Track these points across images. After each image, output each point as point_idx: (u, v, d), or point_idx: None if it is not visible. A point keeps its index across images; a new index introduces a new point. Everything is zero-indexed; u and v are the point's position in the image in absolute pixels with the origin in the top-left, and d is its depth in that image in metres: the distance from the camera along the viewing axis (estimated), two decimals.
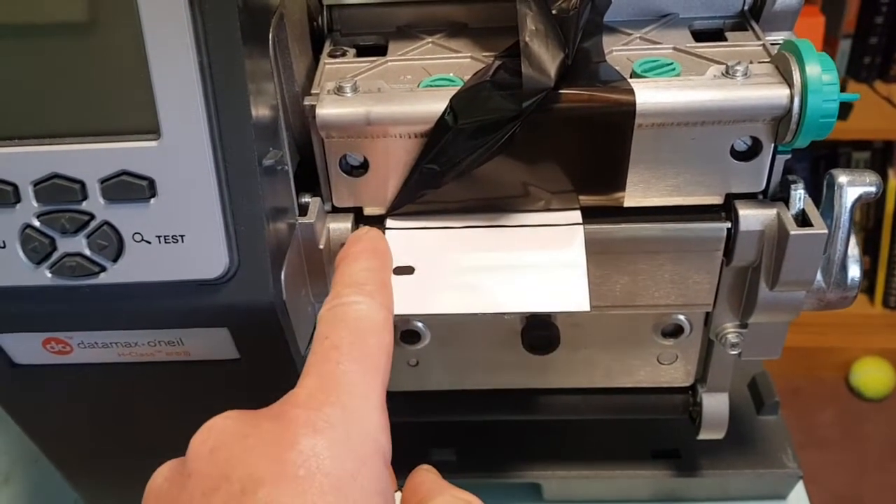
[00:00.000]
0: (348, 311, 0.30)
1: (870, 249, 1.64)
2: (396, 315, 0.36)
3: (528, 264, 0.36)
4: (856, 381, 1.63)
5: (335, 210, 0.40)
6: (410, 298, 0.36)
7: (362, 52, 0.42)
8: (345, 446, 0.26)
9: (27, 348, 0.37)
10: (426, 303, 0.36)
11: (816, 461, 1.49)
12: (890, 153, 1.55)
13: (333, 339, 0.29)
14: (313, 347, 0.29)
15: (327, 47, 0.42)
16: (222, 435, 0.27)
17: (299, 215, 0.37)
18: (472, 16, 0.43)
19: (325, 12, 0.43)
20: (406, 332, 0.44)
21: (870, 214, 1.61)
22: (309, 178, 0.39)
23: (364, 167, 0.38)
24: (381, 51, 0.42)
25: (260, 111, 0.32)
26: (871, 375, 1.63)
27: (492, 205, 0.39)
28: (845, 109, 1.48)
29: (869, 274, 1.68)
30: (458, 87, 0.36)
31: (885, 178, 1.57)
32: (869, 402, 1.63)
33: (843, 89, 1.50)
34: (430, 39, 0.42)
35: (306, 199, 0.39)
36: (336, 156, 0.38)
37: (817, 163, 1.58)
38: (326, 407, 0.27)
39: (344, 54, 0.41)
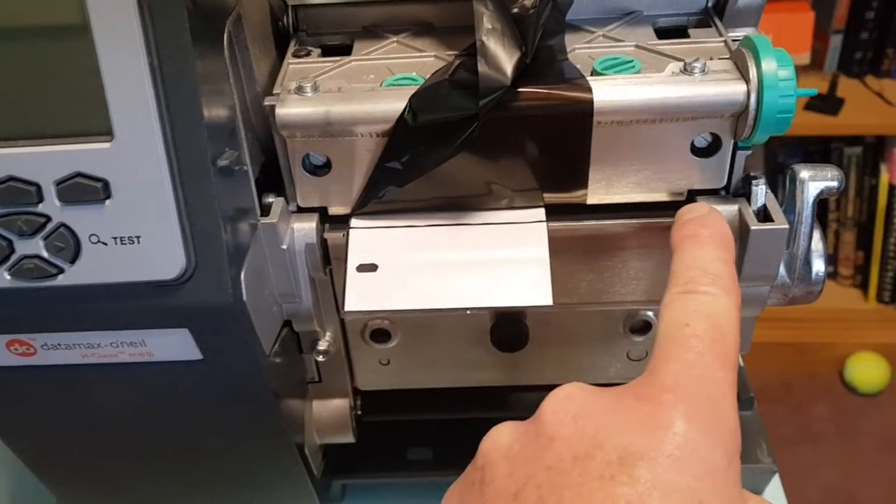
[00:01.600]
0: (707, 302, 0.30)
1: (863, 244, 1.64)
2: (360, 312, 0.36)
3: (491, 261, 0.36)
4: (850, 376, 1.63)
5: (300, 210, 0.40)
6: (373, 295, 0.36)
7: (328, 51, 0.42)
8: (716, 438, 0.26)
9: None
10: (389, 299, 0.36)
11: (810, 456, 1.49)
12: (882, 148, 1.55)
13: (695, 329, 0.29)
14: (668, 330, 0.29)
15: (292, 47, 0.42)
16: (585, 405, 0.28)
17: (262, 215, 0.38)
18: (438, 15, 0.43)
19: (289, 12, 0.43)
20: (376, 330, 0.44)
21: (863, 209, 1.60)
22: (275, 179, 0.39)
23: (327, 166, 0.38)
24: (346, 50, 0.42)
25: (213, 111, 0.32)
26: (865, 370, 1.63)
27: (455, 203, 0.39)
28: (836, 104, 1.48)
29: (862, 269, 1.68)
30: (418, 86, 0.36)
31: (877, 173, 1.57)
32: (863, 397, 1.63)
33: (834, 84, 1.51)
34: (395, 39, 0.42)
35: (270, 199, 0.39)
36: (298, 155, 0.38)
37: (810, 158, 1.58)
38: (697, 397, 0.27)
39: (308, 54, 0.41)
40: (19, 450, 0.44)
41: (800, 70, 0.42)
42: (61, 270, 0.33)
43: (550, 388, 0.47)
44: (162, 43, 0.30)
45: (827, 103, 1.46)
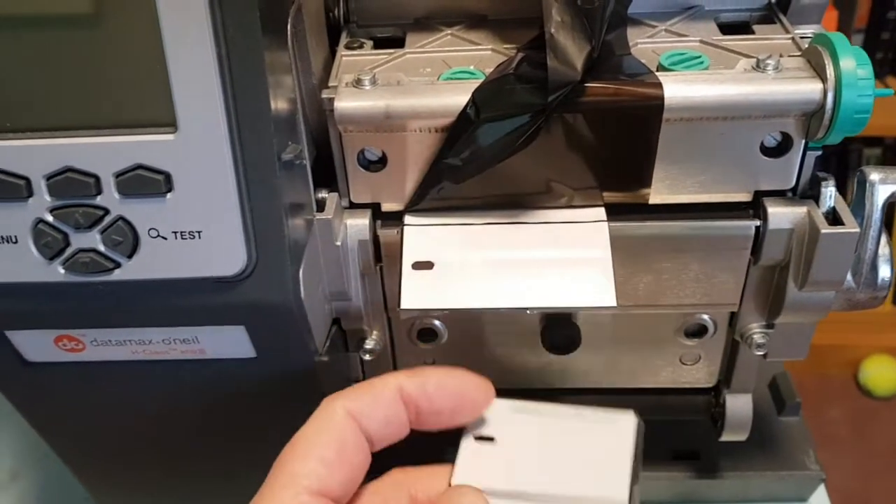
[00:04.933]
0: None
1: None
2: (416, 310, 0.35)
3: (551, 260, 0.35)
4: (865, 378, 1.62)
5: (352, 206, 0.39)
6: (430, 293, 0.35)
7: (379, 43, 0.41)
8: None
9: (39, 346, 0.36)
10: (446, 297, 0.35)
11: (825, 459, 1.47)
12: None
13: None
14: None
15: (344, 39, 0.41)
16: None
17: (317, 211, 0.37)
18: (492, 7, 0.42)
19: (341, 3, 0.42)
20: (423, 329, 0.43)
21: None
22: (325, 173, 0.38)
23: (382, 162, 0.37)
24: (398, 43, 0.41)
25: (279, 104, 0.31)
26: (880, 373, 1.62)
27: (513, 201, 0.38)
28: None
29: None
30: (480, 81, 0.35)
31: None
32: (878, 400, 1.62)
33: None
34: (448, 31, 0.41)
35: (323, 194, 0.38)
36: (354, 150, 0.37)
37: (828, 159, 1.56)
38: None
39: (361, 46, 0.40)
40: (58, 446, 0.43)
41: None
42: (118, 265, 0.32)
43: (601, 391, 0.46)
44: (230, 32, 0.29)
45: None
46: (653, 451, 0.50)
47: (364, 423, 0.30)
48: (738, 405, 0.44)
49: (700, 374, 0.44)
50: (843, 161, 1.55)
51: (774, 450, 0.50)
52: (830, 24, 1.52)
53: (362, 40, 0.41)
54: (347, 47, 0.40)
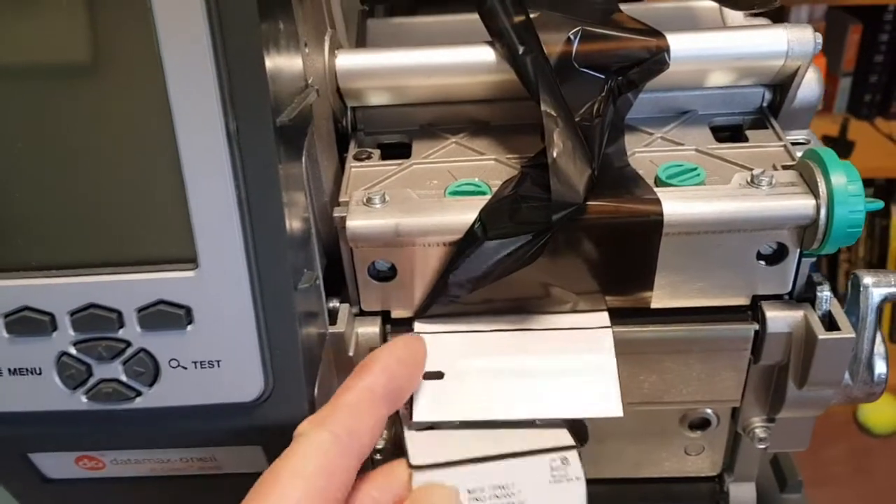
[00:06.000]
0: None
1: None
2: (429, 422, 0.36)
3: (558, 370, 0.36)
4: (864, 417, 1.63)
5: (362, 313, 0.40)
6: (442, 405, 0.36)
7: (386, 150, 0.43)
8: None
9: (60, 464, 0.37)
10: (457, 409, 0.36)
11: (825, 498, 1.48)
12: (892, 190, 1.56)
13: None
14: None
15: (352, 149, 0.42)
16: None
17: (329, 321, 0.38)
18: (493, 114, 0.43)
19: (349, 113, 0.43)
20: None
21: (874, 250, 1.61)
22: (335, 280, 0.39)
23: (392, 273, 0.38)
24: (404, 148, 0.43)
25: (295, 232, 0.33)
26: (879, 412, 1.63)
27: (518, 306, 0.39)
28: (848, 148, 1.49)
29: None
30: (486, 197, 0.37)
31: (888, 214, 1.58)
32: (877, 438, 1.63)
33: (844, 128, 1.52)
34: (453, 139, 0.43)
35: (334, 303, 0.39)
36: (364, 263, 0.38)
37: None
38: None
39: (369, 157, 0.42)
40: None
41: None
42: (139, 393, 0.33)
43: (606, 481, 0.47)
44: (250, 171, 0.30)
45: (838, 146, 1.48)
46: None
47: (355, 442, 0.30)
48: (742, 493, 0.45)
49: (704, 464, 0.45)
50: None
51: None
52: (819, 68, 1.56)
53: (370, 150, 0.42)
54: (356, 158, 0.42)
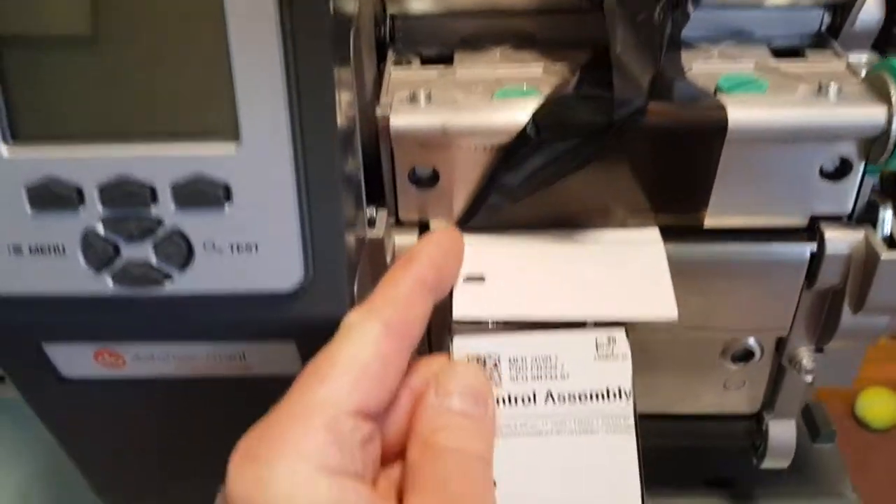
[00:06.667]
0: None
1: None
2: (470, 320, 0.34)
3: (608, 275, 0.35)
4: (862, 411, 1.61)
5: (398, 223, 0.38)
6: (483, 303, 0.34)
7: (426, 62, 0.41)
8: None
9: (77, 361, 0.35)
10: (500, 307, 0.34)
11: None
12: None
13: None
14: None
15: (391, 56, 0.40)
16: None
17: (368, 227, 0.36)
18: (541, 28, 0.41)
19: (388, 21, 0.41)
20: None
21: None
22: (372, 190, 0.37)
23: (433, 179, 0.36)
24: (446, 60, 0.41)
25: (342, 119, 0.31)
26: (877, 406, 1.61)
27: (564, 221, 0.37)
28: None
29: None
30: (537, 99, 0.35)
31: None
32: (875, 433, 1.62)
33: None
34: (497, 49, 0.41)
35: (372, 211, 0.37)
36: (405, 168, 0.36)
37: None
38: None
39: (409, 62, 0.40)
40: (83, 462, 0.41)
41: None
42: (169, 277, 0.31)
43: (641, 416, 0.45)
44: (300, 45, 0.28)
45: None
46: (685, 479, 0.50)
47: (407, 333, 0.28)
48: (782, 431, 0.43)
49: (743, 400, 0.44)
50: None
51: (809, 477, 0.49)
52: None
53: (410, 56, 0.40)
54: (396, 63, 0.40)
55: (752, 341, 0.41)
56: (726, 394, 0.43)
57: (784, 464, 0.44)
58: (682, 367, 0.43)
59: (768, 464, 0.44)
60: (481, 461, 0.29)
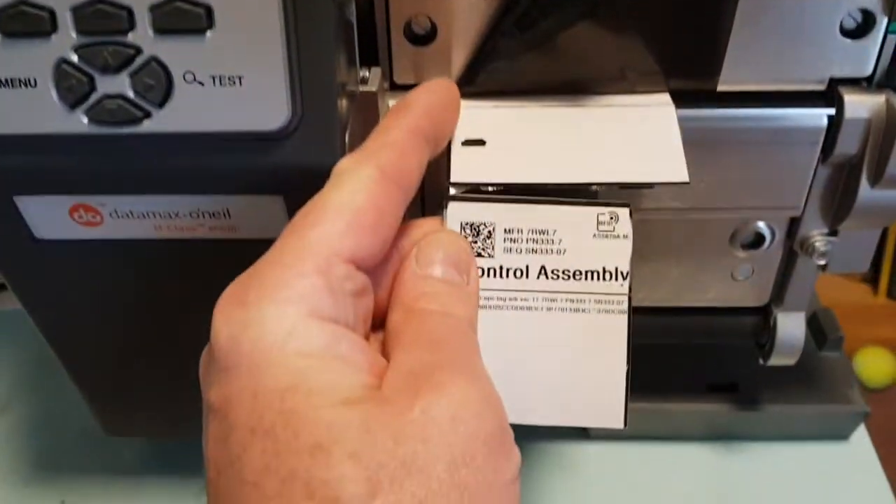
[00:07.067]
0: None
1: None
2: (468, 183, 0.32)
3: (617, 138, 0.33)
4: (858, 370, 1.61)
5: (393, 87, 0.36)
6: (483, 167, 0.32)
7: None
8: None
9: (52, 218, 0.33)
10: (502, 171, 0.32)
11: None
12: None
13: None
14: None
15: None
16: None
17: (360, 84, 0.34)
18: None
19: None
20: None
21: None
22: (364, 53, 0.35)
23: (431, 35, 0.34)
24: None
25: None
26: (873, 365, 1.61)
27: (569, 86, 0.35)
28: None
29: (873, 264, 1.66)
30: None
31: None
32: (872, 392, 1.61)
33: None
34: None
35: (364, 72, 0.35)
36: (401, 21, 0.34)
37: None
38: None
39: None
40: (58, 342, 0.39)
41: None
42: (147, 115, 0.29)
43: (641, 311, 0.44)
44: None
45: None
46: (687, 383, 0.48)
47: (402, 181, 0.27)
48: (790, 325, 0.42)
49: (751, 292, 0.42)
50: None
51: (816, 384, 0.48)
52: None
53: None
54: None
55: (761, 225, 0.39)
56: (734, 285, 0.42)
57: (791, 360, 0.43)
58: (689, 255, 0.41)
59: (775, 360, 0.43)
60: (466, 323, 0.27)
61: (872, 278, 1.66)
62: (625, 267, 0.30)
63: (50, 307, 0.37)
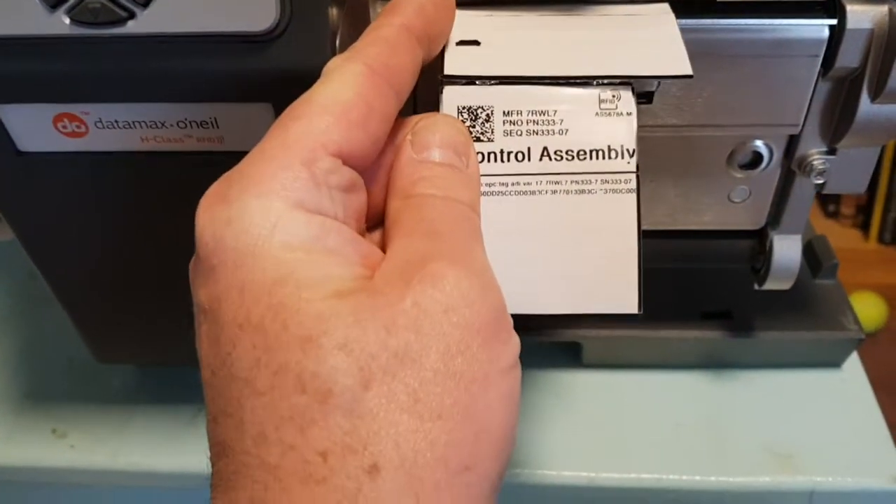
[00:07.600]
0: None
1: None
2: (461, 77, 0.31)
3: (616, 38, 0.32)
4: None
5: None
6: (477, 63, 0.31)
7: None
8: None
9: (35, 128, 0.32)
10: (497, 66, 0.31)
11: None
12: None
13: None
14: None
15: None
16: None
17: None
18: None
19: None
20: None
21: None
22: None
23: None
24: None
25: None
26: (864, 310, 1.62)
27: None
28: None
29: (864, 209, 1.66)
30: None
31: None
32: None
33: None
34: None
35: None
36: None
37: None
38: None
39: None
40: (44, 263, 0.38)
41: None
42: (131, 15, 0.28)
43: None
44: None
45: None
46: (681, 310, 0.48)
47: (393, 79, 0.26)
48: (787, 247, 0.41)
49: (747, 214, 0.42)
50: None
51: (810, 311, 0.48)
52: None
53: None
54: None
55: (759, 143, 0.39)
56: (730, 207, 0.41)
57: (786, 285, 0.42)
58: (686, 176, 0.40)
59: (770, 285, 0.42)
60: (467, 208, 0.26)
61: (863, 223, 1.67)
62: (630, 144, 0.29)
63: (38, 227, 0.36)
